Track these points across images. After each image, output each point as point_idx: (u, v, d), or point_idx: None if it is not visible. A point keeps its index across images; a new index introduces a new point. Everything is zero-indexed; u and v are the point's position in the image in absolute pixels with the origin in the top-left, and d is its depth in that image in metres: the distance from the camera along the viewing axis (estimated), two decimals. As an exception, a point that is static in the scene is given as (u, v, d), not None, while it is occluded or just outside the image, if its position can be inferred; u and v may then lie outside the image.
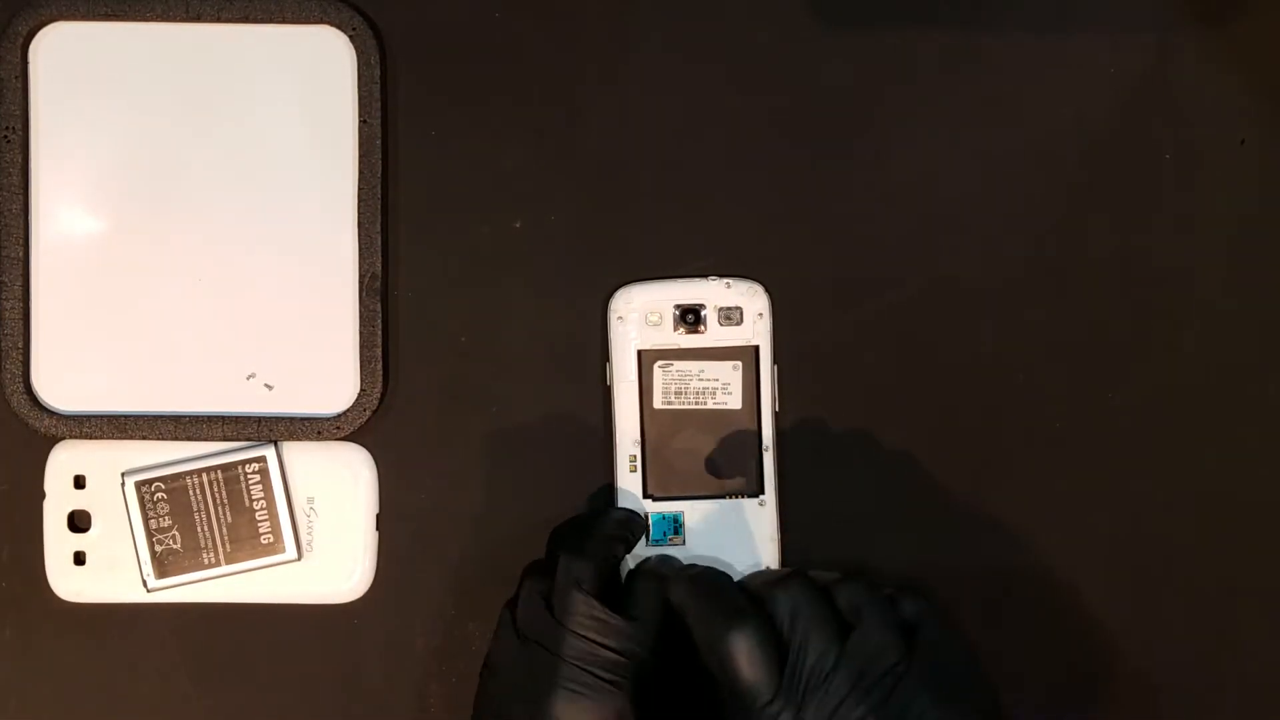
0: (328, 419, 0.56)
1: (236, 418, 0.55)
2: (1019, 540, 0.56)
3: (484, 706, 0.52)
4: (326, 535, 0.56)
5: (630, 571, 0.54)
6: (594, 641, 0.49)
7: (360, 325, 0.55)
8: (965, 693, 0.48)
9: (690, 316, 0.55)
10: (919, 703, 0.47)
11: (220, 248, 0.55)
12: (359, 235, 0.55)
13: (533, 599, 0.51)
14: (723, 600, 0.50)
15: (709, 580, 0.52)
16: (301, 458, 0.56)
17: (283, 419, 0.55)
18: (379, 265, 0.55)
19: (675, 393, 0.55)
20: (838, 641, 0.48)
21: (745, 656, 0.48)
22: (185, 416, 0.55)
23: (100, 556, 0.56)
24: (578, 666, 0.49)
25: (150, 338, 0.55)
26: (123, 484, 0.55)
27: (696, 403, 0.55)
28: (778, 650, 0.48)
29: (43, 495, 0.56)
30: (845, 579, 0.50)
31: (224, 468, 0.55)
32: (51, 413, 0.55)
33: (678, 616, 0.51)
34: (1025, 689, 0.56)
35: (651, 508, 0.55)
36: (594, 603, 0.50)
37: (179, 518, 0.55)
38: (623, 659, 0.49)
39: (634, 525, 0.55)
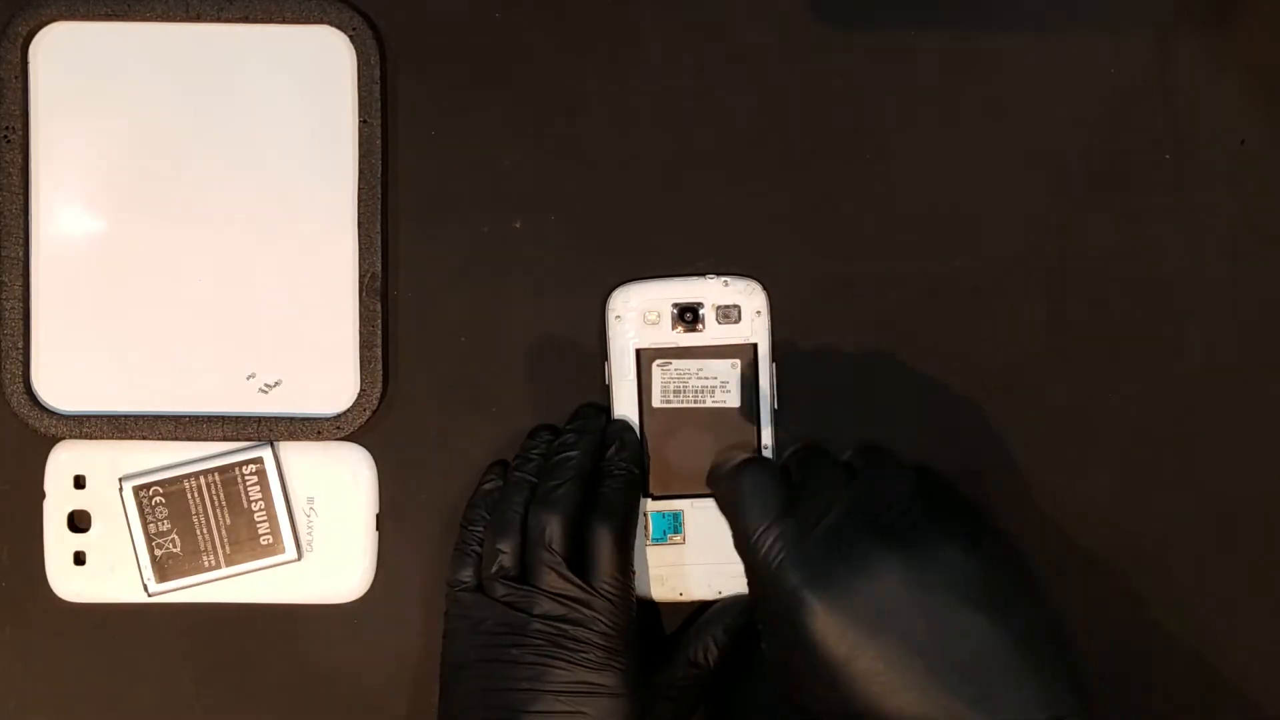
0: (327, 419, 0.56)
1: (236, 418, 0.55)
2: (1018, 538, 0.56)
3: (451, 678, 0.52)
4: (326, 535, 0.56)
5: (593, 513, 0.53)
6: (564, 601, 0.50)
7: (360, 325, 0.55)
8: (973, 528, 0.49)
9: (688, 315, 0.55)
10: (925, 533, 0.47)
11: (220, 248, 0.55)
12: (359, 235, 0.55)
13: (495, 558, 0.52)
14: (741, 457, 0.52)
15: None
16: (301, 458, 0.56)
17: (283, 419, 0.55)
18: (379, 265, 0.55)
19: (674, 391, 0.55)
20: (842, 482, 0.50)
21: (754, 486, 0.49)
22: (185, 417, 0.55)
23: (100, 557, 0.56)
24: (551, 629, 0.49)
25: (150, 338, 0.55)
26: (120, 488, 0.55)
27: (695, 401, 0.55)
28: (786, 488, 0.50)
29: (43, 495, 0.56)
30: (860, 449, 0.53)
31: (221, 470, 0.55)
32: (51, 413, 0.55)
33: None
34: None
35: (651, 506, 0.55)
36: (563, 566, 0.50)
37: (178, 521, 0.55)
38: (591, 624, 0.50)
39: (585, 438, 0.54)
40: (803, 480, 0.51)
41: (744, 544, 0.49)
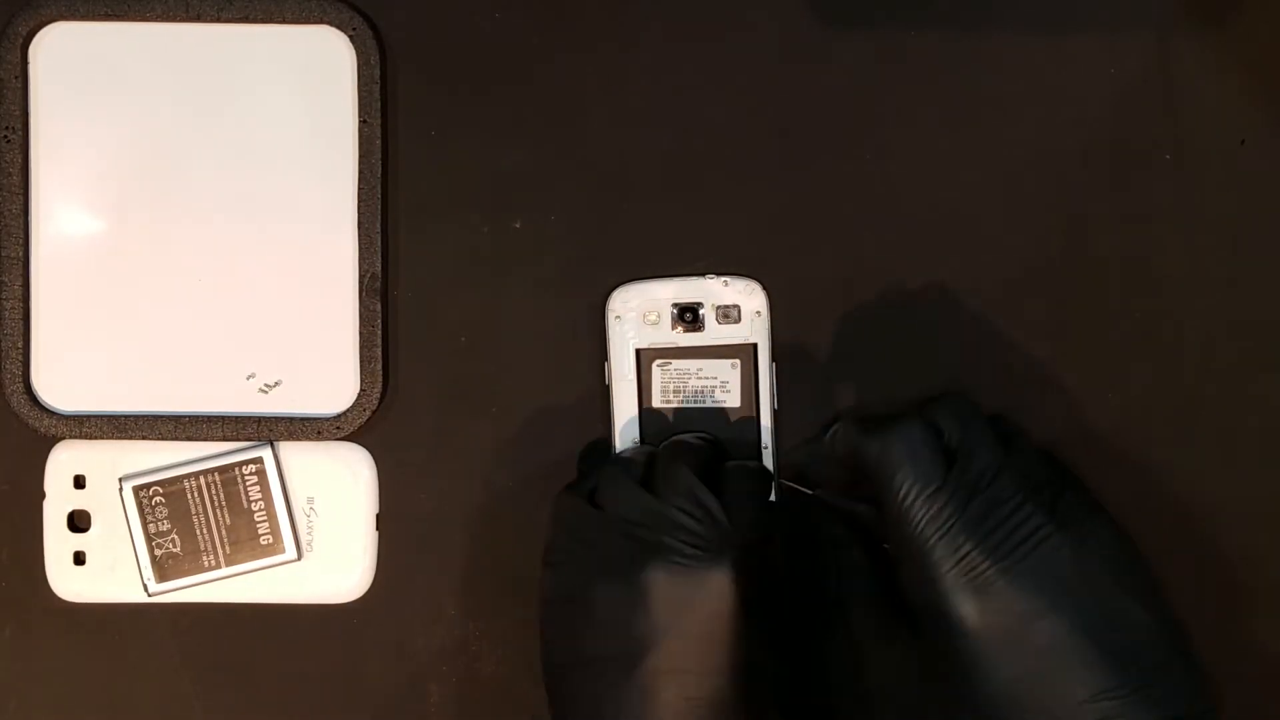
0: (327, 419, 0.56)
1: (236, 418, 0.55)
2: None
3: (558, 588, 0.49)
4: (326, 535, 0.56)
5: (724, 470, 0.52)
6: (693, 516, 0.48)
7: (360, 325, 0.55)
8: (1107, 514, 0.49)
9: (688, 315, 0.55)
10: (1080, 513, 0.47)
11: (220, 248, 0.55)
12: (359, 235, 0.55)
13: (621, 480, 0.50)
14: (887, 416, 0.50)
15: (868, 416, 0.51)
16: (301, 458, 0.56)
17: (282, 419, 0.55)
18: (379, 265, 0.55)
19: (674, 391, 0.55)
20: (1002, 449, 0.48)
21: (911, 448, 0.47)
22: (185, 416, 0.55)
23: (100, 557, 0.56)
24: (678, 539, 0.47)
25: (150, 338, 0.55)
26: (120, 488, 0.55)
27: (695, 401, 0.55)
28: (943, 450, 0.48)
29: (43, 495, 0.56)
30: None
31: (221, 470, 0.55)
32: (51, 413, 0.55)
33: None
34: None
35: (651, 506, 0.55)
36: (694, 479, 0.49)
37: (178, 521, 0.55)
38: (723, 536, 0.48)
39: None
40: (962, 443, 0.48)
41: (903, 513, 0.47)
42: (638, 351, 0.55)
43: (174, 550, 0.55)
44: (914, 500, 0.46)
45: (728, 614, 0.47)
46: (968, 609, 0.45)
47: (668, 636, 0.46)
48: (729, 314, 0.55)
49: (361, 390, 0.55)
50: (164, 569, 0.55)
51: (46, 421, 0.55)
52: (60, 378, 0.55)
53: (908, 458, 0.47)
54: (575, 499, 0.51)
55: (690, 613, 0.46)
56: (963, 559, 0.45)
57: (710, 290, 0.55)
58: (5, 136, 0.55)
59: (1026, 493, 0.47)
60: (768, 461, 0.55)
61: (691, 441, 0.52)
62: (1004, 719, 0.44)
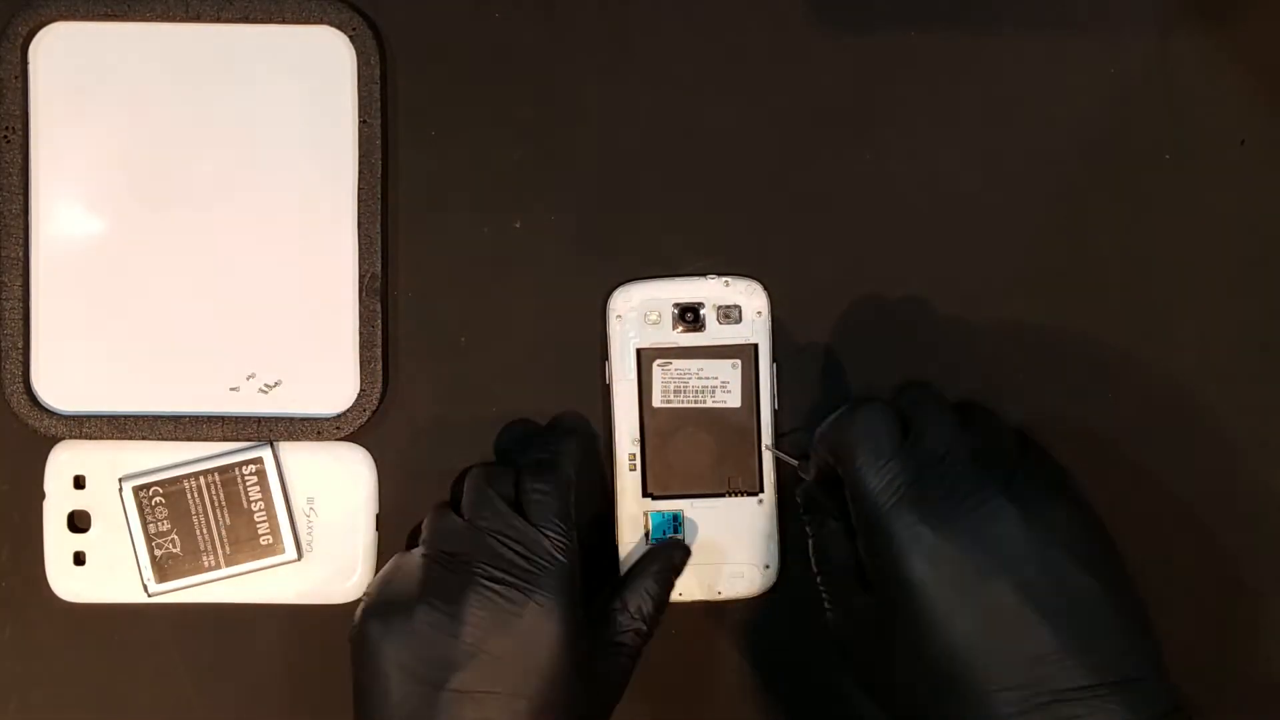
0: (327, 419, 0.56)
1: (236, 418, 0.55)
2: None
3: (381, 625, 0.50)
4: (326, 535, 0.56)
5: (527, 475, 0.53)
6: (504, 541, 0.50)
7: (360, 325, 0.55)
8: (1071, 493, 0.50)
9: (689, 315, 0.55)
10: (1035, 486, 0.48)
11: (220, 248, 0.55)
12: (359, 235, 0.55)
13: (443, 513, 0.52)
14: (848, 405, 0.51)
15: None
16: (301, 458, 0.56)
17: (282, 419, 0.55)
18: (379, 265, 0.55)
19: (674, 391, 0.55)
20: (957, 427, 0.49)
21: (869, 426, 0.49)
22: (185, 417, 0.55)
23: (100, 557, 0.56)
24: (492, 567, 0.49)
25: (150, 338, 0.55)
26: (120, 489, 0.55)
27: (696, 401, 0.55)
28: (900, 429, 0.50)
29: (43, 495, 0.56)
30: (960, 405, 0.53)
31: (221, 470, 0.55)
32: (51, 413, 0.55)
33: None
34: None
35: (651, 506, 0.55)
36: (501, 504, 0.51)
37: (178, 521, 0.55)
38: (538, 560, 0.50)
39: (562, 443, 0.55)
40: (917, 421, 0.50)
41: (858, 482, 0.49)
42: (638, 351, 0.55)
43: (174, 550, 0.55)
44: (868, 471, 0.49)
45: (540, 640, 0.49)
46: (918, 572, 0.47)
47: (476, 659, 0.48)
48: (730, 314, 0.55)
49: (361, 390, 0.55)
50: (164, 569, 0.55)
51: (46, 421, 0.55)
52: (60, 378, 0.55)
53: (865, 435, 0.49)
54: (445, 508, 0.53)
55: (502, 637, 0.48)
56: (912, 523, 0.47)
57: (711, 290, 0.55)
58: (5, 136, 0.55)
59: (979, 466, 0.48)
60: (768, 462, 0.55)
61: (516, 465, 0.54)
62: (955, 674, 0.46)
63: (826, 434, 0.51)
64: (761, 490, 0.55)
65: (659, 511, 0.55)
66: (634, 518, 0.55)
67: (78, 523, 0.56)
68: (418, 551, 0.52)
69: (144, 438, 0.55)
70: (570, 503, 0.52)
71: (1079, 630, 0.46)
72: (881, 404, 0.51)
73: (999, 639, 0.46)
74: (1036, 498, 0.48)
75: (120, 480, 0.55)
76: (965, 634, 0.46)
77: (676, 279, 0.55)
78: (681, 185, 0.56)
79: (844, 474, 0.50)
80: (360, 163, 0.55)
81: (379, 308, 0.55)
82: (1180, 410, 0.56)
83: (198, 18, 0.55)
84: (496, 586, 0.49)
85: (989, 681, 0.45)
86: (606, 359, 0.55)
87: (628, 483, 0.55)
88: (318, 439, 0.55)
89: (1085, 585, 0.46)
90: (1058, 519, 0.48)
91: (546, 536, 0.50)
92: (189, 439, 0.55)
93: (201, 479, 0.55)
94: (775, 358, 0.55)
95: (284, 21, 0.55)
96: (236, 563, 0.55)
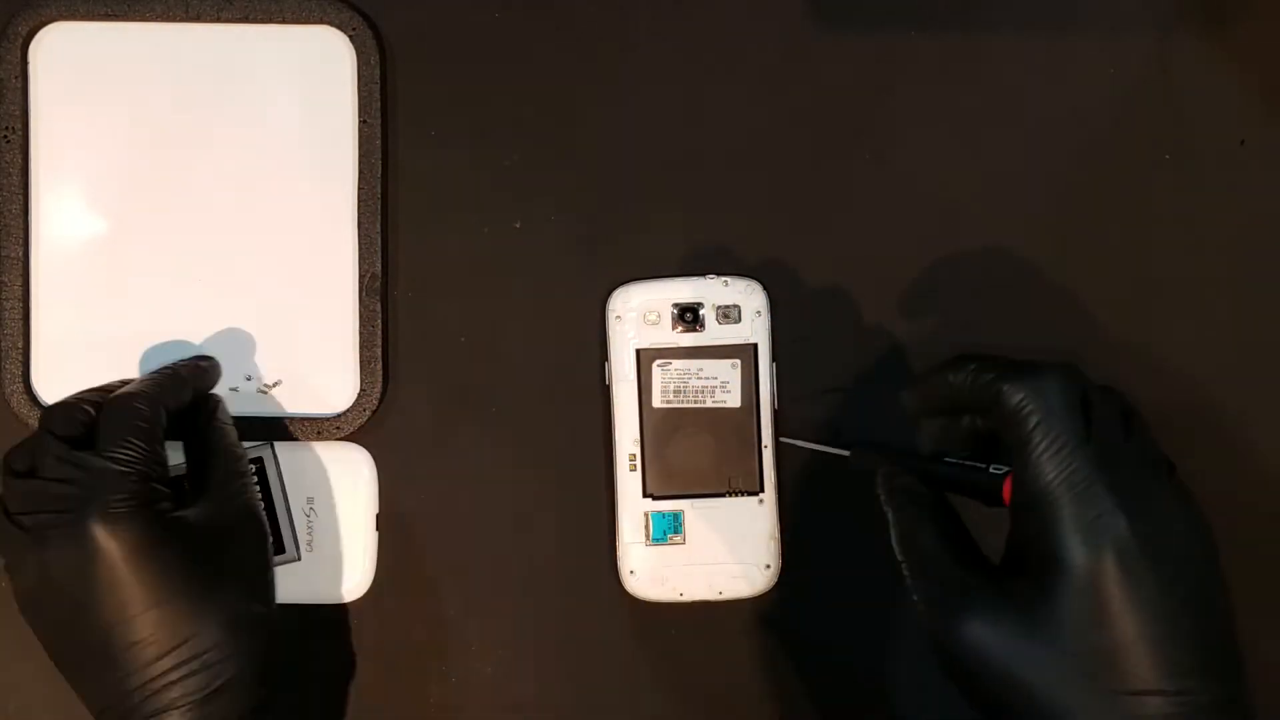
0: (328, 419, 0.56)
1: (236, 418, 0.55)
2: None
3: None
4: (326, 535, 0.56)
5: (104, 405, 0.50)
6: (62, 481, 0.47)
7: (360, 325, 0.55)
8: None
9: (689, 315, 0.55)
10: (1183, 495, 0.48)
11: (220, 248, 0.55)
12: (359, 235, 0.55)
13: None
14: (1026, 363, 0.49)
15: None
16: (301, 458, 0.56)
17: (282, 419, 0.55)
18: (379, 265, 0.55)
19: (674, 391, 0.55)
20: (1128, 424, 0.48)
21: (1058, 400, 0.47)
22: (185, 417, 0.55)
23: (100, 557, 0.56)
24: (51, 511, 0.47)
25: (150, 338, 0.55)
26: (123, 486, 0.55)
27: (695, 401, 0.55)
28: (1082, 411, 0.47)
29: (43, 495, 0.56)
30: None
31: (223, 469, 0.55)
32: (51, 413, 0.55)
33: None
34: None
35: (651, 506, 0.55)
36: (56, 442, 0.48)
37: (179, 520, 0.55)
38: (89, 491, 0.47)
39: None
40: (1096, 407, 0.48)
41: (1036, 459, 0.47)
42: (638, 351, 0.55)
43: (174, 550, 0.55)
44: (1054, 454, 0.47)
45: (109, 561, 0.46)
46: (1081, 566, 0.45)
47: (89, 607, 0.47)
48: (729, 314, 0.55)
49: (361, 390, 0.55)
50: (164, 569, 0.55)
51: (46, 421, 0.55)
52: (60, 378, 0.55)
53: (1052, 410, 0.47)
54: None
55: (81, 577, 0.46)
56: (1092, 520, 0.46)
57: (710, 290, 0.55)
58: (5, 136, 0.55)
59: (1160, 461, 0.48)
60: (768, 461, 0.55)
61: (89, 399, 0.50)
62: (1111, 668, 0.45)
63: (1002, 394, 0.48)
64: (762, 490, 0.55)
65: (659, 512, 0.55)
66: (634, 518, 0.55)
67: (78, 523, 0.56)
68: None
69: (144, 438, 0.55)
70: (128, 415, 0.48)
71: (1195, 675, 0.45)
72: (1069, 380, 0.48)
73: (1163, 642, 0.45)
74: (1192, 499, 0.48)
75: (120, 480, 0.55)
76: (1133, 631, 0.45)
77: (676, 279, 0.55)
78: (681, 185, 0.56)
79: (1016, 444, 0.47)
80: (360, 163, 0.55)
81: (379, 308, 0.55)
82: (1180, 410, 0.56)
83: (198, 18, 0.55)
84: (53, 531, 0.47)
85: (1142, 683, 0.45)
86: (606, 359, 0.55)
87: (628, 483, 0.55)
88: (318, 439, 0.56)
89: (1217, 594, 0.47)
90: (1206, 526, 0.48)
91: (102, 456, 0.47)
92: (189, 439, 0.55)
93: (201, 479, 0.55)
94: (774, 357, 0.55)
95: (284, 21, 0.55)
96: (237, 562, 0.55)
